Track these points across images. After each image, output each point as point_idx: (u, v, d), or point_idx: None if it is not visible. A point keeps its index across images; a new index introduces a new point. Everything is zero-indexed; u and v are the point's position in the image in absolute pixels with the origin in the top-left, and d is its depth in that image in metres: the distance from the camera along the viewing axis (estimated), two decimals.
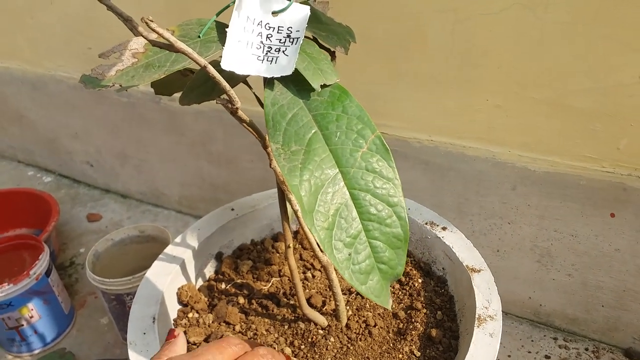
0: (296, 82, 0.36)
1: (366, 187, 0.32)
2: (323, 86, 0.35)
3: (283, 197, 0.47)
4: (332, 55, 0.47)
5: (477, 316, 0.49)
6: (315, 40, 0.43)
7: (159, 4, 0.87)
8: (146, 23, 0.26)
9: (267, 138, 0.42)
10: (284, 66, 0.35)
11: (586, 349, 0.78)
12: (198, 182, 1.10)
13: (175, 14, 0.87)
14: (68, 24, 1.01)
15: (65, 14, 1.00)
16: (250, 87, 0.44)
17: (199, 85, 0.40)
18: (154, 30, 0.26)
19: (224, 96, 0.33)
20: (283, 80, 0.36)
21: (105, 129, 1.14)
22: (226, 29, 0.35)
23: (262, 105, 0.45)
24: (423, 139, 0.77)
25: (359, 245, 0.31)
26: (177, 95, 0.46)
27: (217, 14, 0.37)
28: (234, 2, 0.37)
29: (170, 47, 0.28)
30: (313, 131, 0.34)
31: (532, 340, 0.81)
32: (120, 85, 0.32)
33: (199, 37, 0.35)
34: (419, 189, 0.81)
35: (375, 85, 0.76)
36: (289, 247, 0.48)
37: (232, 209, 0.67)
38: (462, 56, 0.67)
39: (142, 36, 0.29)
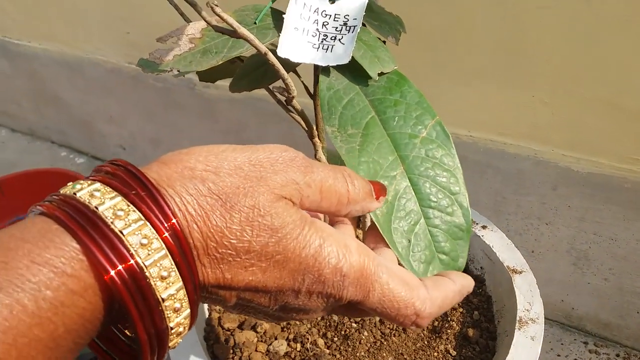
0: (352, 69, 0.35)
1: (426, 174, 0.31)
2: (380, 74, 0.35)
3: None
4: (383, 43, 0.47)
5: (518, 318, 0.47)
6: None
7: None
8: (211, 8, 0.25)
9: (314, 128, 0.41)
10: (340, 55, 0.34)
11: (617, 355, 0.76)
12: None
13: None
14: (107, 8, 1.02)
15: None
16: (299, 76, 0.44)
17: (249, 72, 0.40)
18: (218, 16, 0.26)
19: (279, 84, 0.33)
20: (339, 67, 0.35)
21: (140, 114, 1.15)
22: (282, 16, 0.34)
23: (310, 95, 0.45)
24: (462, 134, 0.76)
25: (419, 232, 0.30)
26: (212, 82, 0.45)
27: (273, 1, 0.37)
28: None
29: (232, 33, 0.28)
30: (370, 116, 0.33)
31: (562, 344, 0.79)
32: (179, 71, 0.32)
33: (255, 23, 0.35)
34: None
35: (415, 76, 0.74)
36: None
37: None
38: (509, 50, 0.66)
39: (206, 21, 0.28)
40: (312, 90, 0.44)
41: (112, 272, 0.20)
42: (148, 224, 0.21)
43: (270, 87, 0.35)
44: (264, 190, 0.25)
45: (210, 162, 0.25)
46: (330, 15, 0.36)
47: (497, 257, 0.55)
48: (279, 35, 0.35)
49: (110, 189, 0.22)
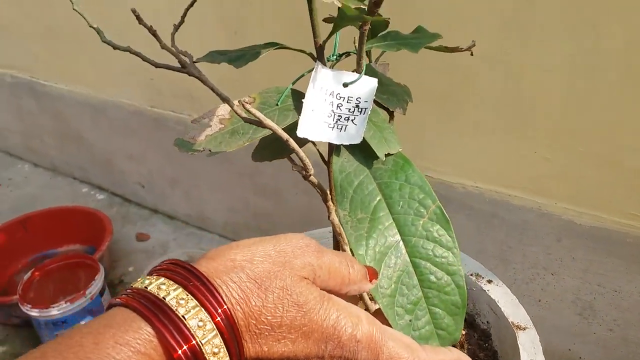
0: (362, 149, 0.38)
1: (426, 256, 0.34)
2: (387, 155, 0.38)
3: (338, 248, 0.50)
4: (391, 115, 0.50)
5: None
6: (375, 101, 0.46)
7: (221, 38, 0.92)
8: (242, 105, 0.29)
9: (328, 193, 0.45)
10: (353, 135, 0.38)
11: None
12: (243, 210, 1.14)
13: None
14: (133, 57, 1.08)
15: (131, 45, 1.07)
16: (314, 144, 0.47)
17: (271, 143, 0.43)
18: (248, 111, 0.30)
19: (299, 162, 0.36)
20: (350, 146, 0.39)
21: (159, 154, 1.19)
22: (302, 99, 0.38)
23: (324, 162, 0.48)
24: (468, 185, 0.79)
25: (419, 311, 0.33)
26: (261, 161, 0.49)
27: (293, 83, 0.40)
28: (308, 72, 0.40)
29: (259, 123, 0.31)
30: (378, 199, 0.36)
31: None
32: (210, 150, 0.36)
33: (277, 104, 0.38)
34: (462, 233, 0.82)
35: (423, 129, 0.78)
36: None
37: None
38: (511, 106, 0.69)
39: (237, 113, 0.32)
40: (326, 158, 0.47)
41: (180, 351, 0.26)
42: (203, 309, 0.27)
43: (294, 165, 0.38)
44: (289, 273, 0.30)
45: (246, 254, 0.31)
46: (344, 98, 0.39)
47: (502, 312, 0.57)
48: (299, 116, 0.38)
49: (172, 282, 0.28)
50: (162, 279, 0.28)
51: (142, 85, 1.11)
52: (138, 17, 0.29)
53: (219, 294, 0.28)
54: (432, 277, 0.34)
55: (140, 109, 1.15)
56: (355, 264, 0.34)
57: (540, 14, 0.62)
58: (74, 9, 0.29)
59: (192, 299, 0.27)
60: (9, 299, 0.94)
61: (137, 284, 0.28)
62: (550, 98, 0.66)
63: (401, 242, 0.35)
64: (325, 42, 0.39)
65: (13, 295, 0.94)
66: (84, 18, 0.28)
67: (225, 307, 0.27)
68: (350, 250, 0.36)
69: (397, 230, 0.35)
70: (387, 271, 0.34)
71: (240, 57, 0.37)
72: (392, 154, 0.39)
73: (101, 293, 0.90)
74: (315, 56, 0.39)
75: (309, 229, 1.04)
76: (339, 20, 0.34)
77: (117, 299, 0.28)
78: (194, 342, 0.26)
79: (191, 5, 0.49)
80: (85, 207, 1.20)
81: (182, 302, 0.27)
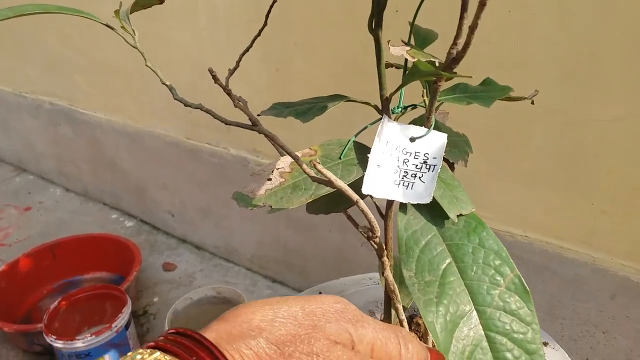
0: (429, 208, 0.36)
1: (503, 330, 0.31)
2: (459, 216, 0.35)
3: (389, 305, 0.47)
4: (452, 167, 0.48)
5: None
6: None
7: (262, 82, 0.92)
8: (314, 165, 0.27)
9: (383, 248, 0.42)
10: (421, 193, 0.35)
11: None
12: (273, 244, 1.12)
13: (278, 89, 0.91)
14: (179, 89, 1.08)
15: (173, 79, 1.08)
16: (371, 197, 0.45)
17: (326, 196, 0.41)
18: (320, 172, 0.28)
19: (366, 224, 0.34)
20: (416, 204, 0.36)
21: (192, 184, 1.19)
22: (365, 153, 0.36)
23: (380, 214, 0.46)
24: (517, 234, 0.75)
25: None
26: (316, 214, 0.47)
27: (356, 135, 0.39)
28: (371, 124, 0.38)
29: (329, 183, 0.29)
30: (447, 261, 0.34)
31: None
32: (271, 207, 0.34)
33: (340, 158, 0.37)
34: None
35: (471, 171, 0.75)
36: None
37: (320, 293, 0.67)
38: (569, 157, 0.66)
39: (305, 172, 0.30)
40: (382, 210, 0.45)
41: None
42: None
43: (361, 227, 0.36)
44: (319, 336, 0.25)
45: (266, 314, 0.26)
46: (411, 153, 0.37)
47: None
48: (363, 172, 0.36)
49: (172, 356, 0.23)
50: (157, 353, 0.23)
51: (180, 117, 1.11)
52: (214, 77, 0.28)
53: None
54: (509, 355, 0.31)
55: (177, 140, 1.15)
56: (411, 342, 0.28)
57: (603, 65, 0.59)
58: (146, 64, 0.28)
59: None
60: (34, 327, 0.93)
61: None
62: (612, 151, 0.63)
63: (474, 312, 0.32)
64: (392, 94, 0.37)
65: (36, 322, 0.93)
66: (157, 75, 0.27)
67: None
68: (395, 295, 0.33)
69: (469, 299, 0.32)
70: (458, 344, 0.31)
71: (307, 111, 0.35)
72: (464, 215, 0.36)
73: (127, 326, 0.88)
74: (381, 108, 0.38)
75: (342, 269, 1.01)
76: (411, 75, 0.32)
77: None
78: None
79: (247, 50, 0.48)
80: (116, 235, 1.19)
81: None
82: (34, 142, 1.57)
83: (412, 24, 0.39)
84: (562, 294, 0.74)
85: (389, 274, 0.43)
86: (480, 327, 0.32)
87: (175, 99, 0.29)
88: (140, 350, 0.23)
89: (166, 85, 0.29)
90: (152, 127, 1.18)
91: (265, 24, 0.50)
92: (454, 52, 0.33)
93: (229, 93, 0.29)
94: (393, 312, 0.48)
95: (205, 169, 1.12)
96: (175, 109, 1.10)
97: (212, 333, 0.25)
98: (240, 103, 0.30)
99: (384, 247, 0.42)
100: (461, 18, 0.31)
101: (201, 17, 0.94)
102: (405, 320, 0.45)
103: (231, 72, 0.50)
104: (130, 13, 0.30)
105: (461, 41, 0.32)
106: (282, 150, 0.31)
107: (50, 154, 1.55)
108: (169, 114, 1.13)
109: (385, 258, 0.43)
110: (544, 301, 0.76)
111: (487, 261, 0.33)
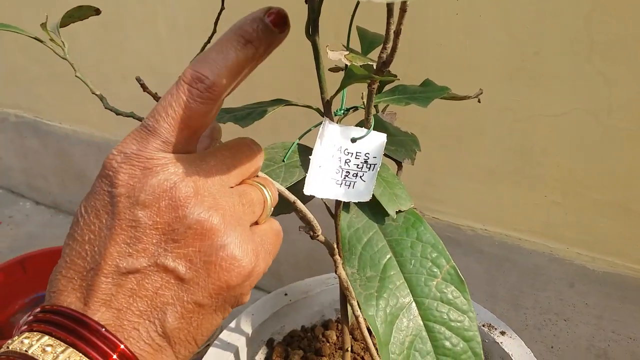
0: (371, 205, 0.37)
1: (441, 320, 0.33)
2: (398, 212, 0.37)
3: (345, 302, 0.48)
4: (399, 165, 0.49)
5: None
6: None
7: None
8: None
9: (334, 247, 0.43)
10: (361, 192, 0.37)
11: None
12: None
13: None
14: (137, 97, 1.08)
15: (136, 88, 1.08)
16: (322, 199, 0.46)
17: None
18: (279, 189, 0.29)
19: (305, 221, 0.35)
20: (359, 203, 0.37)
21: None
22: (308, 156, 0.37)
23: (329, 211, 0.47)
24: (477, 228, 0.77)
25: None
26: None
27: (299, 138, 0.40)
28: (314, 127, 0.39)
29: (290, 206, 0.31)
30: (388, 256, 0.35)
31: None
32: None
33: (283, 161, 0.37)
34: (473, 276, 0.80)
35: (432, 171, 0.77)
36: (347, 350, 0.48)
37: (286, 294, 0.68)
38: (520, 152, 0.68)
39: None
40: (332, 210, 0.46)
41: None
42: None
43: (301, 226, 0.37)
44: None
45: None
46: (352, 153, 0.38)
47: None
48: (306, 173, 0.37)
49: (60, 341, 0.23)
50: (46, 338, 0.23)
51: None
52: (143, 85, 0.28)
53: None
54: (448, 344, 0.32)
55: None
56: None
57: (546, 63, 0.62)
58: (76, 75, 0.28)
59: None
60: (6, 342, 0.92)
61: (15, 345, 0.23)
62: (560, 145, 0.65)
63: (414, 304, 0.33)
64: (332, 97, 0.38)
65: (8, 338, 0.91)
66: (87, 85, 0.28)
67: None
68: (349, 292, 0.34)
69: (409, 291, 0.34)
70: (399, 335, 0.32)
71: (247, 115, 0.36)
72: (403, 211, 0.37)
73: None
74: (323, 111, 0.39)
75: (313, 270, 1.02)
76: (347, 79, 0.33)
77: None
78: None
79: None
80: None
81: (48, 349, 0.22)
82: (1, 155, 1.55)
83: (349, 28, 0.41)
84: (523, 284, 0.76)
85: (341, 271, 0.44)
86: (420, 318, 0.33)
87: (106, 107, 0.30)
88: (26, 334, 0.24)
89: (96, 95, 0.29)
90: (118, 136, 1.18)
91: (214, 31, 0.51)
92: (384, 56, 0.34)
93: (158, 99, 0.30)
94: (349, 308, 0.50)
95: None
96: (142, 115, 1.10)
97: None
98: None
99: (335, 245, 0.43)
100: (388, 24, 0.33)
101: (161, 26, 0.94)
102: (361, 316, 0.46)
103: None
104: (62, 26, 0.31)
105: (389, 46, 0.34)
106: None
107: (18, 167, 1.53)
108: (134, 122, 1.12)
109: (337, 256, 0.44)
110: (507, 292, 0.78)
111: (425, 254, 0.35)
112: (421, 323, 0.33)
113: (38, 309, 0.25)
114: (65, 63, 0.36)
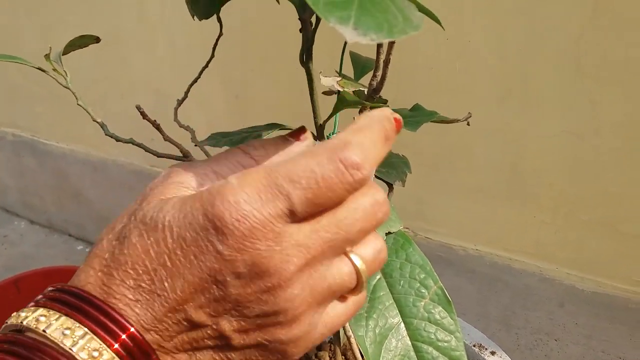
0: None
1: (429, 340, 0.33)
2: (387, 233, 0.38)
3: None
4: (390, 187, 0.50)
5: None
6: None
7: (221, 110, 0.94)
8: None
9: None
10: None
11: None
12: None
13: (236, 117, 0.94)
14: (135, 116, 1.10)
15: (133, 107, 1.09)
16: None
17: None
18: None
19: None
20: None
21: None
22: None
23: None
24: (468, 248, 0.78)
25: None
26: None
27: None
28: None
29: None
30: (377, 277, 0.36)
31: None
32: None
33: None
34: (465, 297, 0.81)
35: (424, 192, 0.79)
36: None
37: None
38: (510, 173, 0.70)
39: None
40: None
41: None
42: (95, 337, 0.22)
43: None
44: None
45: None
46: None
47: None
48: None
49: (55, 312, 0.22)
50: (40, 310, 0.22)
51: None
52: (142, 113, 0.30)
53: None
54: None
55: (140, 168, 1.15)
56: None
57: (535, 86, 0.64)
58: (78, 103, 0.30)
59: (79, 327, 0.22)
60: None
61: (12, 320, 0.23)
62: (550, 166, 0.66)
63: (402, 324, 0.34)
64: (325, 122, 0.39)
65: None
66: (89, 113, 0.29)
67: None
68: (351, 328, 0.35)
69: (397, 311, 0.35)
70: (387, 355, 0.33)
71: (242, 140, 0.37)
72: (392, 233, 0.38)
73: None
74: (316, 135, 0.40)
75: None
76: (339, 104, 0.35)
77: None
78: None
79: (195, 81, 0.50)
80: (78, 266, 1.18)
81: (67, 332, 0.22)
82: None
83: (342, 55, 0.42)
84: (514, 304, 0.77)
85: None
86: (408, 338, 0.34)
87: (106, 134, 0.31)
88: (26, 308, 0.23)
89: (97, 122, 0.30)
90: (115, 156, 1.19)
91: (212, 56, 0.53)
92: (374, 83, 0.36)
93: (157, 127, 0.31)
94: (341, 329, 0.50)
95: None
96: (138, 136, 1.11)
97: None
98: (170, 138, 0.32)
99: None
100: (377, 54, 0.34)
101: (160, 45, 0.96)
102: (353, 336, 0.47)
103: (180, 102, 0.52)
104: (64, 54, 0.32)
105: (379, 74, 0.35)
106: None
107: (14, 186, 1.53)
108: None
109: None
110: (499, 312, 0.78)
111: (413, 275, 0.36)
112: (409, 343, 0.34)
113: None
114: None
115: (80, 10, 1.03)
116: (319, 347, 0.69)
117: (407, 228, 0.84)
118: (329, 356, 0.66)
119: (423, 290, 0.35)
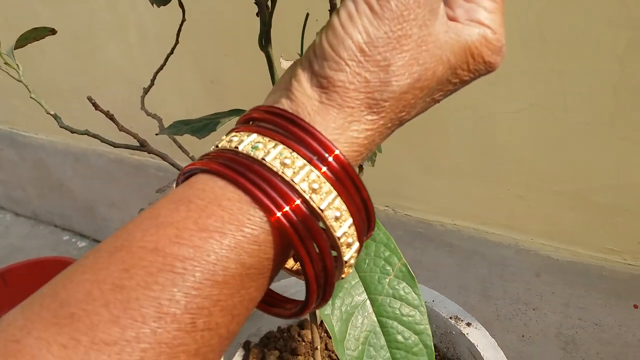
0: None
1: (394, 315, 0.34)
2: None
3: None
4: (360, 168, 0.51)
5: None
6: None
7: (199, 95, 0.94)
8: None
9: None
10: None
11: None
12: None
13: (214, 102, 0.93)
14: (111, 105, 1.09)
15: (108, 96, 1.08)
16: None
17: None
18: None
19: None
20: None
21: (141, 199, 1.19)
22: None
23: None
24: (446, 223, 0.80)
25: None
26: None
27: None
28: None
29: None
30: None
31: None
32: None
33: None
34: (445, 270, 0.82)
35: (401, 169, 0.79)
36: (316, 348, 0.50)
37: None
38: (483, 149, 0.70)
39: None
40: None
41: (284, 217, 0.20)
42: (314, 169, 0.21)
43: None
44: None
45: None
46: None
47: (482, 357, 0.57)
48: None
49: (269, 139, 0.21)
50: (254, 136, 0.21)
51: (121, 133, 1.11)
52: (94, 104, 0.30)
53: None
54: (400, 337, 0.34)
55: (121, 157, 1.15)
56: None
57: (504, 61, 0.64)
58: (31, 96, 0.29)
59: (298, 158, 0.20)
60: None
61: (223, 143, 0.22)
62: (520, 140, 0.67)
63: (368, 301, 0.35)
64: None
65: None
66: (42, 105, 0.29)
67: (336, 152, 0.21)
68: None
69: (363, 289, 0.36)
70: (354, 332, 0.34)
71: (203, 127, 0.37)
72: None
73: None
74: None
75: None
76: None
77: (198, 166, 0.21)
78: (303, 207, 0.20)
79: (161, 68, 0.50)
80: (67, 257, 1.19)
81: (287, 162, 0.20)
82: None
83: (302, 37, 0.42)
84: (492, 276, 0.78)
85: None
86: (374, 314, 0.35)
87: (61, 126, 0.31)
88: (234, 133, 0.22)
89: (51, 114, 0.31)
90: (94, 145, 1.18)
91: (177, 42, 0.52)
92: None
93: (111, 117, 0.31)
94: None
95: (152, 183, 1.13)
96: (114, 125, 1.11)
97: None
98: (126, 128, 0.32)
99: None
100: None
101: (132, 34, 0.95)
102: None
103: (146, 90, 0.52)
104: (17, 48, 0.32)
105: None
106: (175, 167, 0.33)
107: None
108: (109, 130, 1.13)
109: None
110: (478, 284, 0.80)
111: (378, 253, 0.36)
112: (375, 319, 0.35)
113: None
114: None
115: (51, 1, 1.01)
116: (302, 326, 0.71)
117: (386, 206, 0.85)
118: (312, 334, 0.68)
119: (388, 268, 0.36)
